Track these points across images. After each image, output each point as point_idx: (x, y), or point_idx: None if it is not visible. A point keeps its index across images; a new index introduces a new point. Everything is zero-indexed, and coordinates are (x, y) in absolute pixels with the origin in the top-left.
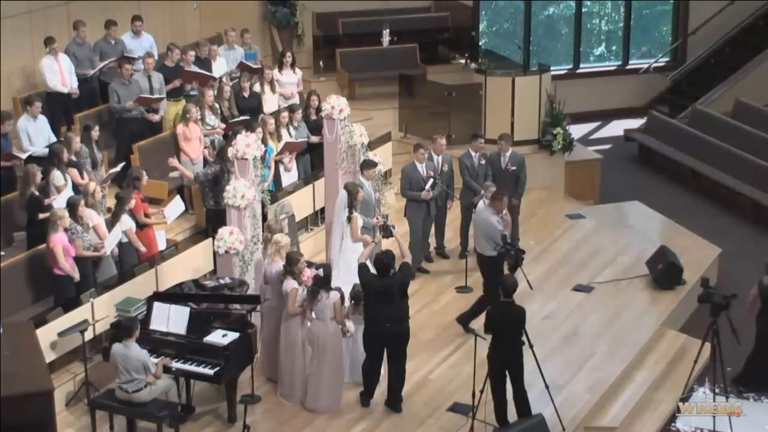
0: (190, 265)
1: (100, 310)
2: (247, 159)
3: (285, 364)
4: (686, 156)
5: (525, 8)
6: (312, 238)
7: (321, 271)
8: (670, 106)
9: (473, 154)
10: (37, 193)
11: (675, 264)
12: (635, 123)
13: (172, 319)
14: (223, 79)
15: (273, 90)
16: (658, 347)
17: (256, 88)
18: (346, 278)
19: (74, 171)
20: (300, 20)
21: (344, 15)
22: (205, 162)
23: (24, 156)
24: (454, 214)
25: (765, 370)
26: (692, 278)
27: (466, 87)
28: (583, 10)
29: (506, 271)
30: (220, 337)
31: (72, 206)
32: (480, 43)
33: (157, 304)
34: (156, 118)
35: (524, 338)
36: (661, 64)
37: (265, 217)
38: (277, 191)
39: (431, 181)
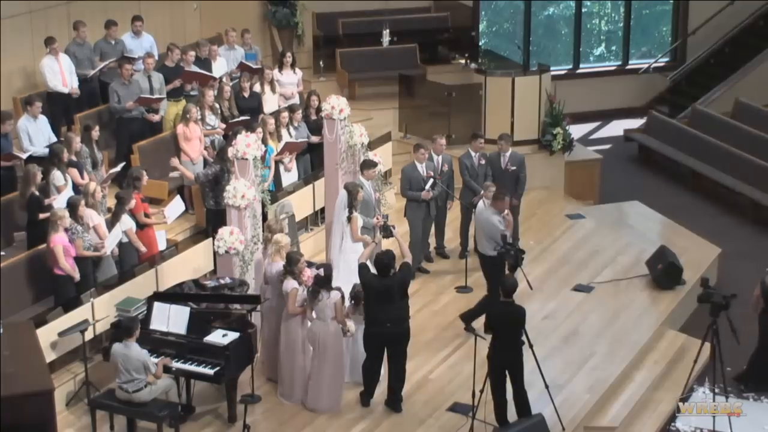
0: (190, 265)
1: (100, 310)
2: (247, 159)
3: (285, 364)
4: (686, 156)
5: (525, 8)
6: (312, 238)
7: (322, 271)
8: (669, 106)
9: (473, 154)
10: (37, 193)
11: (675, 264)
12: (635, 123)
13: (172, 319)
14: (224, 79)
15: (273, 90)
16: (657, 347)
17: (257, 88)
18: (346, 278)
19: (74, 171)
20: (300, 20)
21: (344, 15)
22: (205, 162)
23: (24, 156)
24: (454, 214)
25: None
26: (692, 278)
27: (466, 87)
28: (583, 10)
29: (506, 271)
30: (220, 337)
31: (72, 206)
32: (480, 43)
33: (157, 304)
34: (156, 118)
35: (524, 338)
36: (661, 64)
37: (265, 217)
38: (277, 191)
39: (431, 181)
